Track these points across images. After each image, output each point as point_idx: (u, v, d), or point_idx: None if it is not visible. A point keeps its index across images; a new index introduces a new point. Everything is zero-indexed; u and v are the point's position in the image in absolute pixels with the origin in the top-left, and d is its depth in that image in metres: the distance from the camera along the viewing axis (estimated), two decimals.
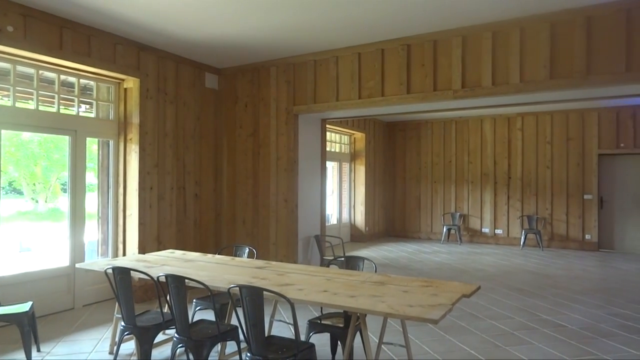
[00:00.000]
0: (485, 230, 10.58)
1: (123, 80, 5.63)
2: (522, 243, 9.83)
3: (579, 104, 8.81)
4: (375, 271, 3.71)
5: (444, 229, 10.72)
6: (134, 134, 5.60)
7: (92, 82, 5.39)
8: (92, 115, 5.41)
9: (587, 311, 5.16)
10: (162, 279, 2.99)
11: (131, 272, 3.17)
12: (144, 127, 5.68)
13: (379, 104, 5.56)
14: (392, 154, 11.91)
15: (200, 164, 6.61)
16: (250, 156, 6.64)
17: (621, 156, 9.40)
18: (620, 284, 6.49)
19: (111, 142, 5.60)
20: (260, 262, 3.94)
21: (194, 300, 3.92)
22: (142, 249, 5.63)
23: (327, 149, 9.69)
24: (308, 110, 6.08)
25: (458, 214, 10.83)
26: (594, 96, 5.50)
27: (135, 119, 5.60)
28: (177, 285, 2.94)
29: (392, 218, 11.88)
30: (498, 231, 10.43)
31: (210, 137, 6.79)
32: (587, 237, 9.51)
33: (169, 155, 6.09)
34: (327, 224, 9.68)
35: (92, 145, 5.52)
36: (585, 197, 9.54)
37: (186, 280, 2.95)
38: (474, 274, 7.19)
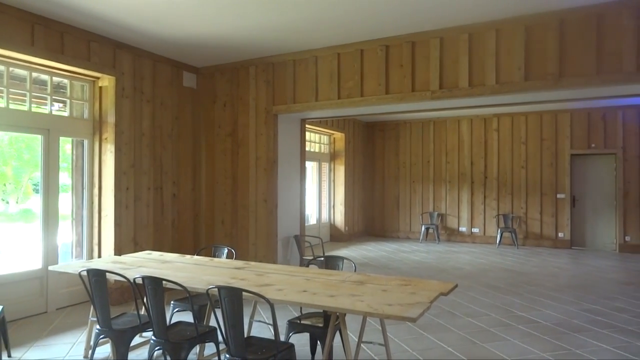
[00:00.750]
0: (463, 229, 10.74)
1: (98, 78, 5.53)
2: (498, 241, 10.01)
3: (552, 105, 9.01)
4: (355, 271, 3.73)
5: (422, 228, 10.84)
6: (109, 134, 5.49)
7: (65, 80, 5.27)
8: (66, 114, 5.29)
9: (560, 307, 5.29)
10: (139, 280, 2.94)
11: (107, 274, 3.11)
12: (120, 127, 5.57)
13: (358, 104, 5.59)
14: (372, 154, 11.99)
15: (178, 163, 6.53)
16: (229, 156, 6.59)
17: (592, 156, 9.67)
18: (592, 281, 6.67)
19: (86, 142, 5.48)
20: (239, 263, 3.92)
21: (172, 302, 3.89)
22: (118, 251, 5.55)
23: (307, 148, 9.68)
24: (287, 110, 6.07)
25: (436, 213, 10.97)
26: (567, 98, 5.65)
27: (110, 118, 5.50)
28: (154, 287, 2.90)
29: (372, 218, 11.95)
30: (475, 230, 10.60)
31: (189, 136, 6.70)
32: (560, 235, 9.76)
33: (146, 155, 5.98)
34: (306, 224, 9.68)
35: (65, 145, 5.39)
36: (559, 196, 9.78)
37: (164, 282, 2.91)
38: (452, 272, 7.29)
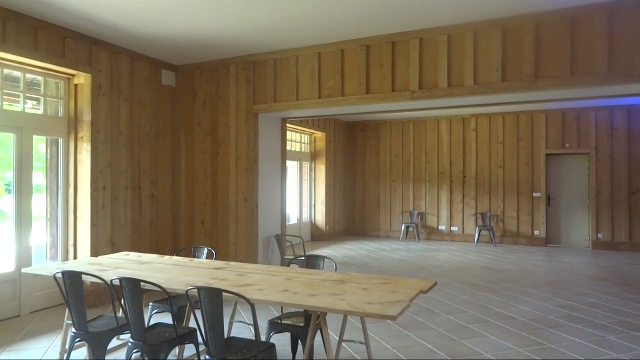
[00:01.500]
0: (442, 227, 10.84)
1: (74, 75, 5.40)
2: (476, 240, 10.12)
3: (528, 106, 9.19)
4: (336, 270, 3.73)
5: (403, 227, 10.91)
6: (85, 132, 5.36)
7: (39, 77, 5.13)
8: (40, 112, 5.15)
9: (536, 303, 5.40)
10: (117, 282, 2.88)
11: (83, 276, 3.03)
12: (97, 125, 5.44)
13: (339, 103, 5.59)
14: (353, 154, 12.01)
15: (157, 163, 6.39)
16: (210, 155, 6.50)
17: (567, 156, 9.88)
18: (566, 277, 6.83)
19: (61, 141, 5.34)
20: (219, 263, 3.87)
21: (150, 304, 3.82)
22: (95, 252, 5.42)
23: (288, 148, 9.64)
24: (268, 109, 6.02)
25: (416, 212, 11.05)
26: (543, 99, 5.77)
27: (87, 117, 5.36)
28: (132, 288, 2.84)
29: (353, 217, 11.97)
30: (454, 229, 10.71)
31: (168, 136, 6.58)
32: (537, 233, 9.93)
33: (124, 155, 5.84)
34: (287, 224, 9.66)
35: (39, 144, 5.25)
36: (535, 195, 9.95)
37: (142, 284, 2.85)
38: (431, 271, 7.36)
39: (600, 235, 9.41)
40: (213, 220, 6.44)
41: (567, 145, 9.71)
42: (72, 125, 5.44)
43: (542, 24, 4.63)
